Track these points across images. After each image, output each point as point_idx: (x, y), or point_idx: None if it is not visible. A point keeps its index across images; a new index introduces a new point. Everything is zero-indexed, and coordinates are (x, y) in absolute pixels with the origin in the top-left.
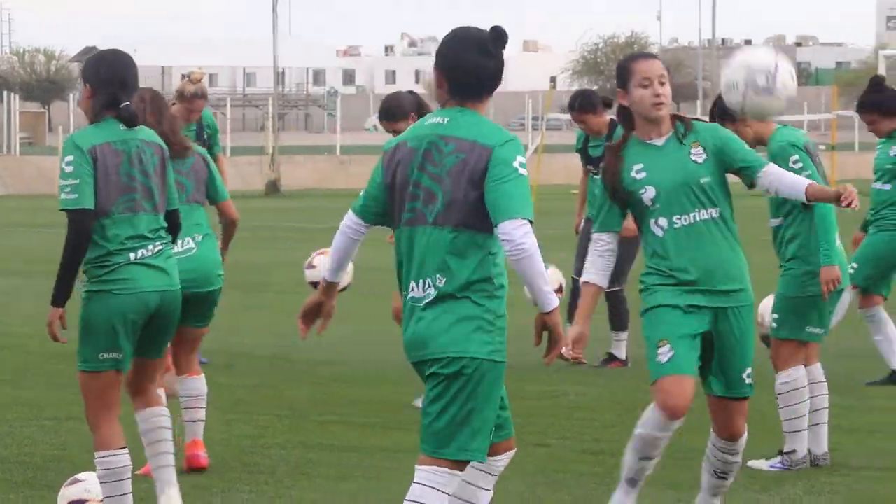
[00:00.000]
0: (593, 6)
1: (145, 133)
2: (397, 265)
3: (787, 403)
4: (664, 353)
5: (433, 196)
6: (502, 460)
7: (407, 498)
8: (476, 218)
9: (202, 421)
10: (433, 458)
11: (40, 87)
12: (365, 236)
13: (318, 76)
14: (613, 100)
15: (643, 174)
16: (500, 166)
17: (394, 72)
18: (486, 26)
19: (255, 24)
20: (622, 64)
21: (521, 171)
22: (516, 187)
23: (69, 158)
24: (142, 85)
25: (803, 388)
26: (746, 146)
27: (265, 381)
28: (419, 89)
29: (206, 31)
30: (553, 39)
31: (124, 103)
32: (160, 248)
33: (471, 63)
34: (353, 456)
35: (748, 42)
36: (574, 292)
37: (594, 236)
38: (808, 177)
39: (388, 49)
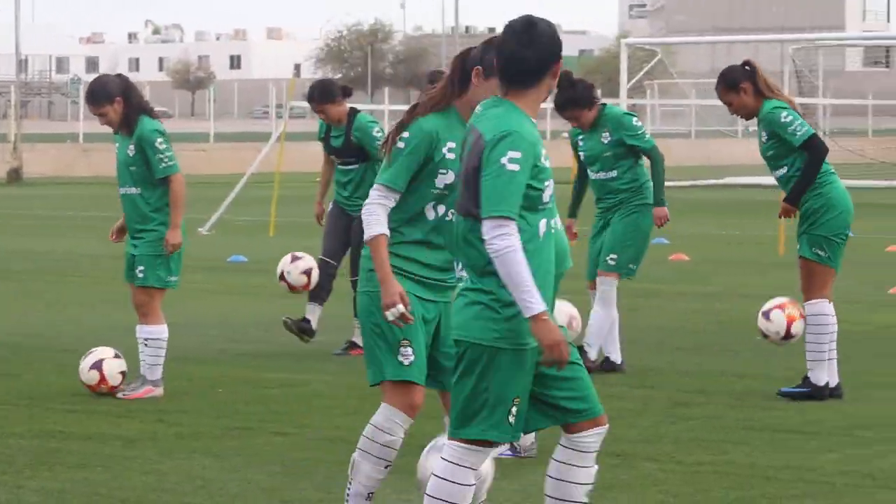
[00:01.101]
0: None
1: None
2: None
3: None
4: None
5: (457, 184)
6: (589, 437)
7: (434, 472)
8: (475, 209)
9: None
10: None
11: None
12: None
13: (62, 64)
14: (353, 89)
15: (453, 155)
16: (488, 161)
17: (137, 59)
18: (231, 13)
19: None
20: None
21: (510, 166)
22: (498, 182)
23: None
24: None
25: None
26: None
27: (6, 369)
28: (163, 76)
29: None
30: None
31: None
32: None
33: (509, 52)
34: (93, 445)
35: (492, 30)
36: (322, 272)
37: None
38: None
39: (132, 36)
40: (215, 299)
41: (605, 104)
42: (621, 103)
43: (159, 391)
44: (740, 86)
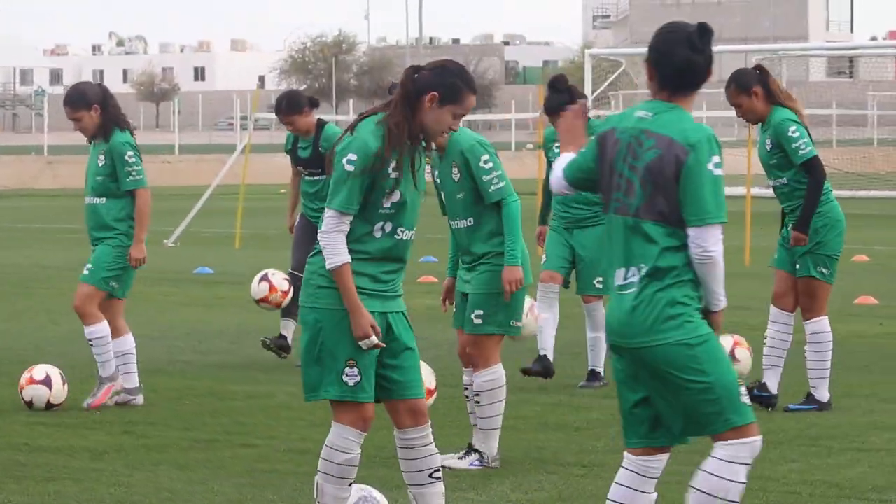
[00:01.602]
0: (301, 6)
1: None
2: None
3: (491, 400)
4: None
5: (632, 188)
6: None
7: (616, 481)
8: (669, 213)
9: None
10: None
11: None
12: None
13: (25, 76)
14: (319, 100)
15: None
16: (693, 167)
17: (102, 71)
18: (195, 24)
19: None
20: (461, 77)
21: (716, 171)
22: (708, 189)
23: None
24: None
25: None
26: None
27: None
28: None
29: None
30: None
31: None
32: None
33: (680, 57)
34: (60, 457)
35: (456, 41)
36: (295, 285)
37: None
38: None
39: (96, 48)
40: (181, 311)
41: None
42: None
43: (139, 399)
44: (752, 89)
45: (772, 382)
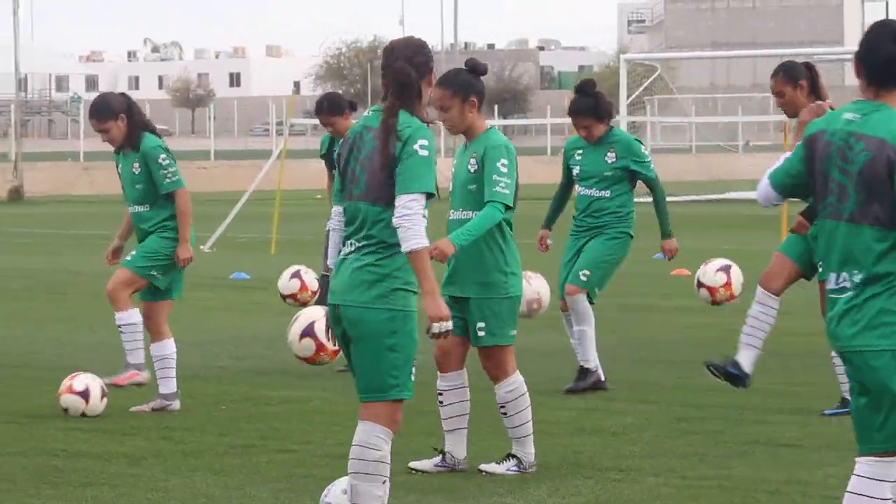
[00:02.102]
0: (336, 11)
1: None
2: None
3: (516, 410)
4: None
5: (846, 192)
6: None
7: (849, 490)
8: (885, 216)
9: None
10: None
11: None
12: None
13: (62, 82)
14: (357, 104)
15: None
16: None
17: (137, 77)
18: (230, 30)
19: None
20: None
21: None
22: None
23: None
24: None
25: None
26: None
27: (5, 389)
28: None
29: None
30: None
31: None
32: None
33: (886, 51)
34: (97, 463)
35: (491, 46)
36: (323, 287)
37: None
38: None
39: (131, 55)
40: (218, 316)
41: (612, 126)
42: (621, 120)
43: (175, 405)
44: (799, 81)
45: (747, 361)
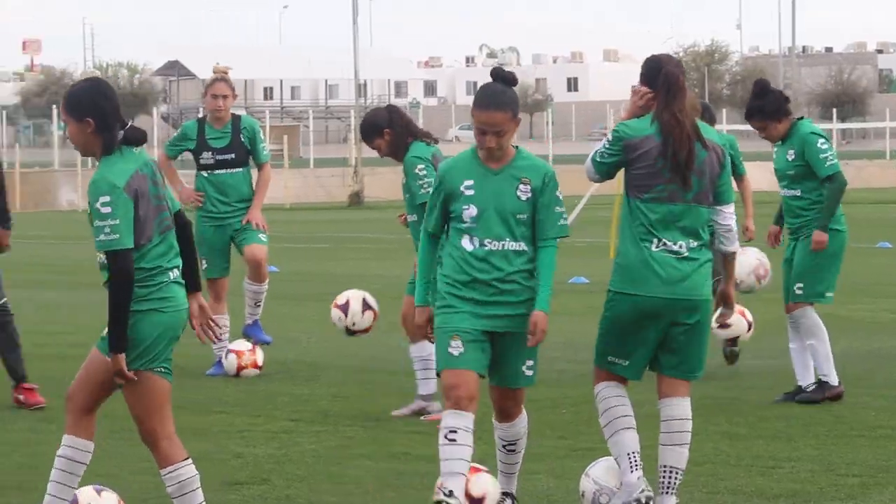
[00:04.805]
0: (677, 16)
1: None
2: None
3: (524, 444)
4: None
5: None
6: None
7: None
8: None
9: None
10: None
11: (124, 101)
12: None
13: (400, 88)
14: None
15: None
16: None
17: (475, 82)
18: (566, 35)
19: (337, 37)
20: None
21: None
22: None
23: (106, 199)
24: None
25: None
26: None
27: (346, 392)
28: None
29: (288, 44)
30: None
31: (128, 124)
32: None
33: None
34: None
35: (829, 50)
36: None
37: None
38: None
39: (469, 60)
40: (555, 320)
41: (800, 118)
42: None
43: (435, 406)
44: None
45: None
